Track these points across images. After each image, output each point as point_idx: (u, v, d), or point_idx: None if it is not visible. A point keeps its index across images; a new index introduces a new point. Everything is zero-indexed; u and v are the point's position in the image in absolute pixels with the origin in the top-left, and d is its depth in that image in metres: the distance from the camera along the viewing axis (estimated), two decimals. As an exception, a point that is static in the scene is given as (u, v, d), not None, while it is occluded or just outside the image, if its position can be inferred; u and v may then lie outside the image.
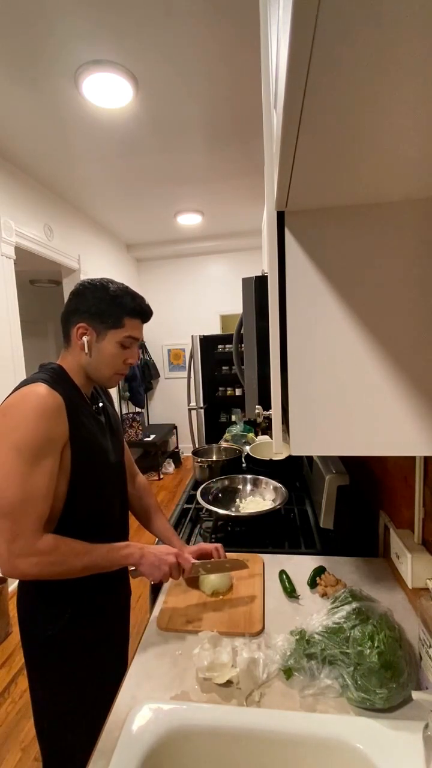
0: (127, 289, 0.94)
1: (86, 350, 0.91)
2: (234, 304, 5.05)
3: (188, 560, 0.98)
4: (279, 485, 1.47)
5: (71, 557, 0.83)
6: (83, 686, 0.93)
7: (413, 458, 0.92)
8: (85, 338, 0.91)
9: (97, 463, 0.93)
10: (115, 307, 0.91)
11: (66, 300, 0.95)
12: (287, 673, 0.75)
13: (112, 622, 1.03)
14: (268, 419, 0.71)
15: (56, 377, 0.89)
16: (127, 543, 0.92)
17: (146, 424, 5.23)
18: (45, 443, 0.81)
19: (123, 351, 0.94)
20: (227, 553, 1.16)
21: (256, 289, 0.81)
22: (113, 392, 4.35)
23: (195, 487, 1.64)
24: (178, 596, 1.01)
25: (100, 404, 1.03)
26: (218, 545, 1.09)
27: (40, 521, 0.81)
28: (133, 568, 0.94)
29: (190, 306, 5.19)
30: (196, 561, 1.02)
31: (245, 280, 0.83)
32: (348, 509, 1.19)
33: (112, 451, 1.00)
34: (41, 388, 0.83)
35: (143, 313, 0.96)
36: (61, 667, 0.92)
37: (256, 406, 0.81)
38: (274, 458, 1.81)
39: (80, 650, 0.93)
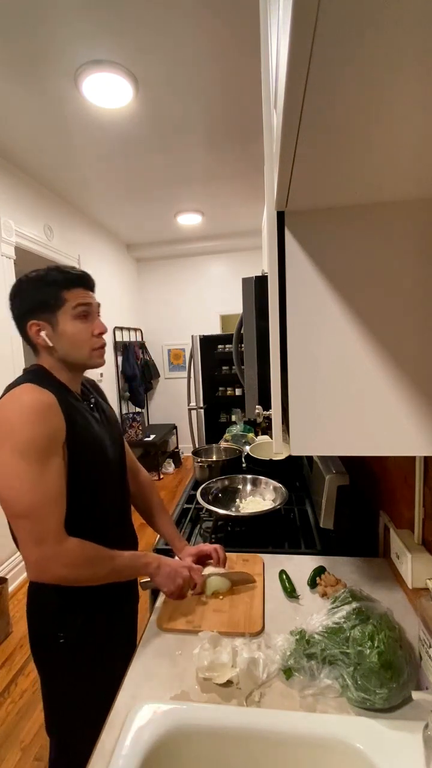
0: (51, 267, 0.89)
1: (50, 343, 0.87)
2: (234, 304, 5.05)
3: (199, 575, 0.99)
4: (279, 485, 1.47)
5: (97, 562, 0.83)
6: (93, 686, 0.93)
7: (413, 458, 0.92)
8: (42, 333, 0.87)
9: (95, 460, 0.92)
10: (47, 288, 0.87)
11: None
12: (287, 673, 0.75)
13: (121, 627, 1.03)
14: (268, 419, 0.71)
15: (40, 377, 0.87)
16: (145, 553, 0.94)
17: (146, 424, 5.23)
18: (47, 442, 0.79)
19: (84, 324, 0.89)
20: (228, 554, 1.16)
21: (256, 289, 0.81)
22: (113, 392, 4.35)
23: (195, 487, 1.64)
24: (178, 596, 1.01)
25: (92, 400, 1.01)
26: (218, 546, 1.09)
27: (61, 523, 0.80)
28: (146, 579, 0.95)
29: (190, 306, 5.19)
30: (205, 573, 1.02)
31: (245, 280, 0.83)
32: (348, 509, 1.19)
33: (109, 447, 0.98)
34: (29, 387, 0.81)
35: (77, 278, 0.90)
36: (71, 669, 0.92)
37: (256, 406, 0.81)
38: (274, 458, 1.81)
39: (90, 653, 0.93)
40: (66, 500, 0.85)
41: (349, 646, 0.72)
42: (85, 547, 0.82)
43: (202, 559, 1.09)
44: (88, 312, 0.90)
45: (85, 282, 0.91)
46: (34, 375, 0.87)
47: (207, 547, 1.09)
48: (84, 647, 0.92)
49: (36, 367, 0.91)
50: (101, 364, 0.96)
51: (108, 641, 0.96)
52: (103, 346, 0.94)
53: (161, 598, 1.01)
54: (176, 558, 1.08)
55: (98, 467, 0.93)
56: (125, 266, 4.81)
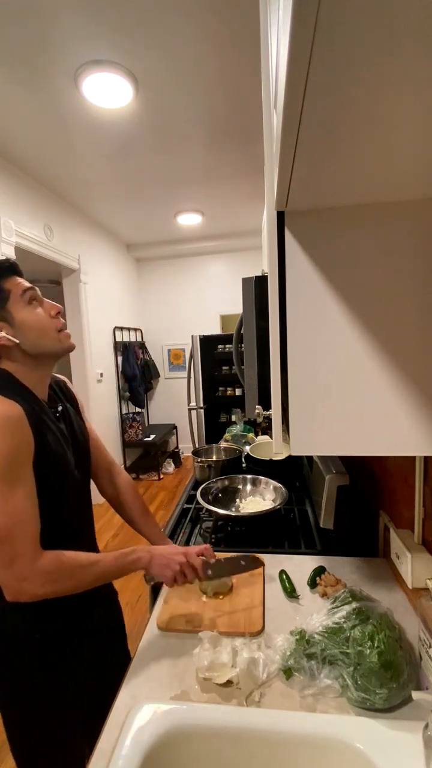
0: None
1: (15, 340, 0.82)
2: (234, 304, 5.05)
3: (196, 558, 0.92)
4: (279, 485, 1.47)
5: (78, 570, 0.80)
6: (65, 725, 0.88)
7: (413, 458, 0.92)
8: (2, 333, 0.81)
9: (59, 475, 0.86)
10: None
11: None
12: (287, 673, 0.75)
13: (89, 650, 0.94)
14: (268, 419, 0.71)
15: (5, 383, 0.82)
16: (134, 548, 0.89)
17: (146, 424, 5.23)
18: (17, 458, 0.75)
19: (38, 309, 0.85)
20: (228, 554, 1.16)
21: (256, 289, 0.81)
22: (113, 392, 4.35)
23: (195, 487, 1.64)
24: (178, 596, 1.01)
25: (59, 408, 0.95)
26: (207, 546, 1.08)
27: (35, 541, 0.77)
28: (149, 576, 0.92)
29: (190, 306, 5.19)
30: (205, 560, 0.97)
31: (245, 280, 0.83)
32: (348, 509, 1.19)
33: (73, 461, 0.92)
34: None
35: (9, 268, 0.86)
36: (36, 709, 0.86)
37: (256, 406, 0.81)
38: (274, 458, 1.81)
39: (56, 687, 0.87)
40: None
41: (349, 646, 0.72)
42: (62, 561, 0.79)
43: None
44: (36, 296, 0.86)
45: (16, 269, 0.87)
46: (5, 387, 0.82)
47: (194, 549, 1.08)
48: (46, 682, 0.86)
49: (5, 375, 0.85)
50: (72, 347, 0.91)
51: (74, 670, 0.90)
52: (65, 326, 0.89)
53: (161, 598, 1.01)
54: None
55: (61, 482, 0.87)
56: (125, 266, 4.81)
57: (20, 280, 0.86)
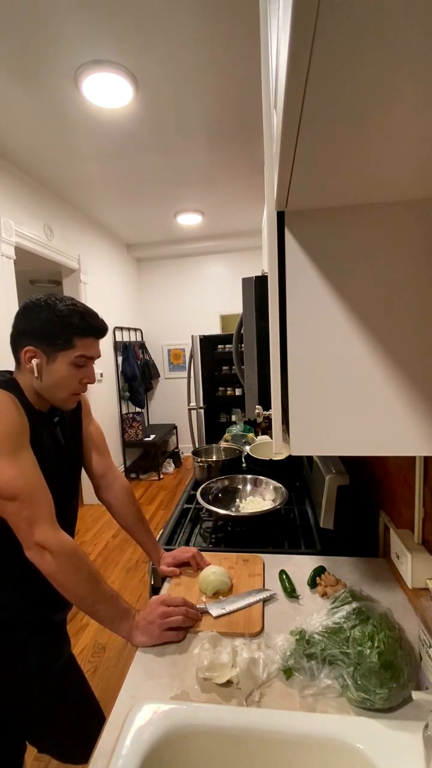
0: (76, 307, 0.89)
1: (36, 374, 0.87)
2: (234, 304, 5.05)
3: (177, 598, 0.90)
4: (279, 485, 1.47)
5: (86, 572, 0.81)
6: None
7: (413, 458, 0.92)
8: (34, 361, 0.86)
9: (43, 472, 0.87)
10: (63, 328, 0.86)
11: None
12: (287, 673, 0.75)
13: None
14: (268, 419, 0.71)
15: (8, 384, 0.86)
16: (128, 610, 0.86)
17: (146, 424, 5.23)
18: (18, 435, 0.80)
19: (78, 370, 0.90)
20: (228, 554, 1.15)
21: (256, 289, 0.81)
22: (113, 392, 4.35)
23: (195, 487, 1.64)
24: (178, 596, 1.00)
25: (56, 420, 0.99)
26: (194, 551, 1.08)
27: (52, 511, 0.80)
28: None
29: (190, 306, 5.19)
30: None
31: (245, 280, 0.84)
32: (348, 509, 1.19)
33: (57, 470, 0.95)
34: None
35: (95, 330, 0.91)
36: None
37: (256, 406, 0.81)
38: (274, 458, 1.81)
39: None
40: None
41: (349, 646, 0.72)
42: (79, 551, 0.82)
43: (181, 567, 1.09)
44: (85, 364, 0.91)
45: (100, 334, 0.93)
46: (3, 383, 0.86)
47: (184, 555, 1.08)
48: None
49: (9, 378, 0.89)
50: (70, 407, 0.97)
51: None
52: (81, 393, 0.95)
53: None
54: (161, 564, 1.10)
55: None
56: (125, 266, 4.81)
57: (92, 344, 0.91)
